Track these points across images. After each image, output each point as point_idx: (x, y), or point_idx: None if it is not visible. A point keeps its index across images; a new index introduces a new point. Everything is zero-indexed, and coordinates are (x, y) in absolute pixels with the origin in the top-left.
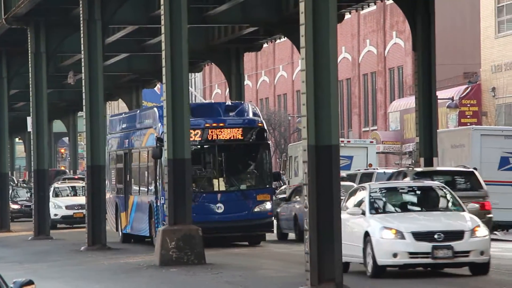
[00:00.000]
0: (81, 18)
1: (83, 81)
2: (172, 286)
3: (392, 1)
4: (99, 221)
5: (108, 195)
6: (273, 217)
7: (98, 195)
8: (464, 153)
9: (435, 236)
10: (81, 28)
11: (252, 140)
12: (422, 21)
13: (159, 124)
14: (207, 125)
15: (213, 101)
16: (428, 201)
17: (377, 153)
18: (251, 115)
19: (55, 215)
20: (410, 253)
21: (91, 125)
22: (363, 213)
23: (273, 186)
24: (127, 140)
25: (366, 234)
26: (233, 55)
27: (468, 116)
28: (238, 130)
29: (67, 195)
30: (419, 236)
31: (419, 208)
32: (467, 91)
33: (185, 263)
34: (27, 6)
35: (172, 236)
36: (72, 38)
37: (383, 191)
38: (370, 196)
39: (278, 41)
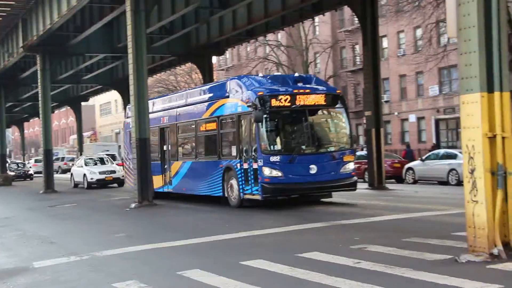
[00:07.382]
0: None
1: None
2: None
3: None
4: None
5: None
6: (355, 176)
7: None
8: None
9: None
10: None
11: (335, 105)
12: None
13: (248, 91)
14: (295, 91)
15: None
16: None
17: None
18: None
19: (91, 179)
20: None
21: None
22: None
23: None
24: (166, 117)
25: None
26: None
27: None
28: (322, 96)
29: (96, 164)
30: None
31: None
32: None
33: (5, 186)
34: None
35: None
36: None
37: None
38: None
39: None
